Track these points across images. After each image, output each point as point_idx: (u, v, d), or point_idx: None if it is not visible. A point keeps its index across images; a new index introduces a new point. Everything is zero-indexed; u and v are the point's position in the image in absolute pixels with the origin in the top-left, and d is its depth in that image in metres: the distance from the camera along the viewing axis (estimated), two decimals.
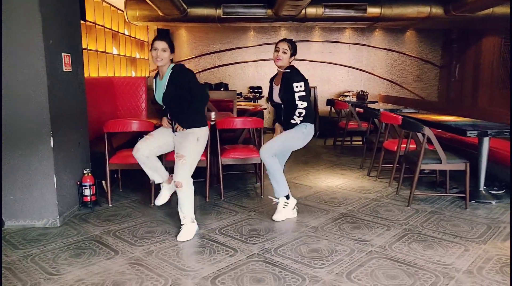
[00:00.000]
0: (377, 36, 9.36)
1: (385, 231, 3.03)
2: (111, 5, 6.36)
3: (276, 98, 3.29)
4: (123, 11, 6.88)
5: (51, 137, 3.05)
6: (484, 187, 3.77)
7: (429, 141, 3.52)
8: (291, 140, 3.26)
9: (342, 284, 2.24)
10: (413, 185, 3.55)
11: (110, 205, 3.67)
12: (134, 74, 7.85)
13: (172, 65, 2.95)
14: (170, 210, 3.49)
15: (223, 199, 3.85)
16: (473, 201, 3.65)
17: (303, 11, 6.32)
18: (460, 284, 2.22)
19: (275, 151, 3.20)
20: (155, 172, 3.18)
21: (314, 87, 7.93)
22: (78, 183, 3.51)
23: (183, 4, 6.04)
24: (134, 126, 3.64)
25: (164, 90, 2.93)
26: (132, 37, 7.63)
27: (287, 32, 9.16)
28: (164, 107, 3.05)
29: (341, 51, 9.35)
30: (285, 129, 3.27)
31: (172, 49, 2.90)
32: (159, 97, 3.02)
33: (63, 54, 3.23)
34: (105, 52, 6.08)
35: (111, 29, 6.33)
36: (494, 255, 2.60)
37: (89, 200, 3.54)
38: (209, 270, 2.41)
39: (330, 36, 9.22)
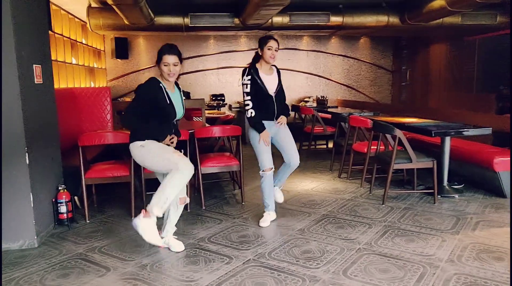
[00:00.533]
0: (333, 43, 9.81)
1: (367, 229, 3.21)
2: (69, 13, 6.13)
3: (272, 89, 3.30)
4: (81, 20, 6.66)
5: (26, 153, 2.90)
6: (447, 183, 4.10)
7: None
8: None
9: (341, 281, 2.36)
10: (387, 184, 3.79)
11: (88, 221, 3.55)
12: (93, 85, 7.58)
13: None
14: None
15: (204, 208, 3.85)
16: (439, 196, 3.97)
17: (270, 20, 6.51)
18: (445, 272, 2.43)
19: None
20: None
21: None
22: (54, 200, 3.35)
23: (151, 13, 5.98)
24: (111, 138, 3.55)
25: (181, 104, 2.90)
26: (90, 46, 7.39)
27: (247, 40, 9.33)
28: (164, 123, 2.84)
29: (299, 58, 9.68)
30: (277, 117, 3.35)
31: (181, 61, 2.80)
32: (179, 110, 2.87)
33: (34, 65, 3.09)
34: (64, 62, 5.84)
35: (69, 38, 6.10)
36: (469, 243, 2.87)
37: (65, 217, 3.39)
38: (209, 279, 2.43)
39: (288, 43, 9.51)
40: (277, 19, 6.65)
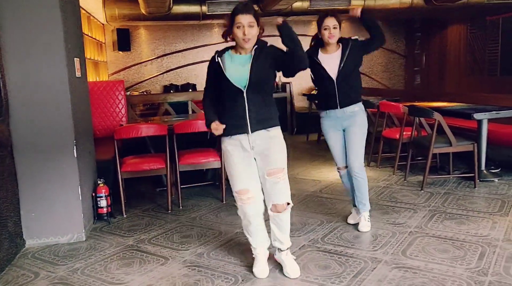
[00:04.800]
0: (344, 28, 9.93)
1: (413, 214, 3.42)
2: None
3: (333, 69, 2.92)
4: (86, 11, 6.74)
5: (74, 146, 3.06)
6: (485, 167, 4.33)
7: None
8: (365, 131, 3.11)
9: (403, 261, 2.57)
10: (426, 169, 4.00)
11: (125, 216, 3.71)
12: (98, 79, 7.68)
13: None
14: (194, 214, 3.63)
15: (224, 202, 4.03)
16: (478, 180, 4.18)
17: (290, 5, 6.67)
18: (505, 250, 2.65)
19: None
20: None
21: (289, 83, 8.29)
22: (93, 194, 3.51)
23: (171, 1, 6.11)
24: (149, 130, 3.71)
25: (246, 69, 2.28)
26: (93, 38, 7.48)
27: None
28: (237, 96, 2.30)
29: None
30: (342, 106, 2.95)
31: (259, 22, 2.27)
32: (239, 79, 2.28)
33: (74, 58, 3.24)
34: None
35: None
36: None
37: (105, 211, 3.55)
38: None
39: (305, 30, 9.59)
40: (297, 4, 6.80)
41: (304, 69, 2.34)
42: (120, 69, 9.12)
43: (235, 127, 2.33)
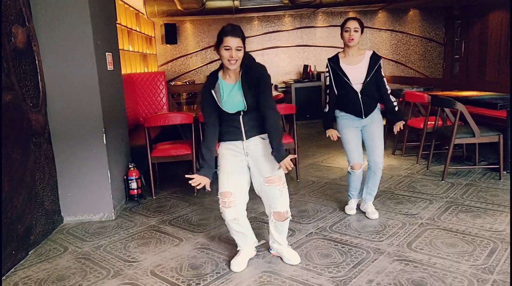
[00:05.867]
0: (380, 17, 9.41)
1: (428, 205, 3.16)
2: (124, 3, 6.36)
3: (357, 80, 2.79)
4: (135, 9, 6.88)
5: (104, 134, 3.13)
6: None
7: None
8: (382, 126, 2.96)
9: (406, 254, 2.37)
10: (448, 160, 3.67)
11: (154, 198, 3.77)
12: (146, 70, 7.87)
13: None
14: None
15: None
16: (504, 172, 3.78)
17: None
18: None
19: None
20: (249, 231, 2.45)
21: (323, 72, 8.00)
22: (125, 177, 3.60)
23: None
24: (176, 119, 3.72)
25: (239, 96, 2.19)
26: (143, 33, 7.64)
27: (291, 19, 9.18)
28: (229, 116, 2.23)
29: None
30: (366, 116, 2.83)
31: (245, 46, 2.14)
32: (230, 105, 2.21)
33: (106, 53, 3.28)
34: (123, 49, 6.11)
35: (126, 26, 6.35)
36: None
37: (135, 193, 3.63)
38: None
39: (333, 21, 9.22)
40: None
41: None
42: (168, 60, 9.28)
43: (231, 134, 2.24)
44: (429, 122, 4.25)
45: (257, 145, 2.24)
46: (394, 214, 3.02)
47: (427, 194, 3.41)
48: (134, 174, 3.61)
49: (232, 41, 2.07)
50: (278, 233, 2.35)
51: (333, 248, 2.50)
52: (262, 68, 2.19)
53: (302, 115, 8.64)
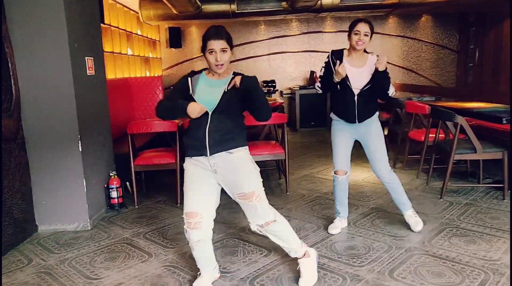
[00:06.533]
0: (391, 23, 9.15)
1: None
2: (124, 6, 6.31)
3: (358, 85, 2.67)
4: (136, 12, 6.83)
5: (79, 141, 3.02)
6: None
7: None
8: (382, 136, 2.83)
9: (386, 283, 2.17)
10: (447, 176, 3.43)
11: (136, 207, 3.65)
12: (148, 74, 7.82)
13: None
14: None
15: None
16: (509, 192, 3.52)
17: (319, 1, 6.19)
18: None
19: None
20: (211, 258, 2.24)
21: None
22: (106, 185, 3.48)
23: (197, 0, 5.96)
24: (158, 126, 3.60)
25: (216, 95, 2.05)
26: (145, 36, 7.59)
27: (299, 23, 9.01)
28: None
29: None
30: (360, 121, 2.72)
31: (231, 47, 2.04)
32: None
33: (86, 58, 3.18)
34: (120, 53, 6.05)
35: (125, 30, 6.29)
36: None
37: (116, 202, 3.52)
38: (246, 271, 2.36)
39: (342, 26, 9.02)
40: (327, 0, 6.28)
41: (266, 121, 2.12)
42: (173, 64, 9.23)
43: (194, 149, 2.06)
44: (430, 135, 4.01)
45: (225, 161, 2.06)
46: (382, 235, 2.81)
47: (421, 213, 3.17)
48: (115, 182, 3.50)
49: (215, 44, 1.97)
50: (279, 238, 2.16)
51: None
52: (254, 78, 2.02)
53: (306, 122, 8.45)
